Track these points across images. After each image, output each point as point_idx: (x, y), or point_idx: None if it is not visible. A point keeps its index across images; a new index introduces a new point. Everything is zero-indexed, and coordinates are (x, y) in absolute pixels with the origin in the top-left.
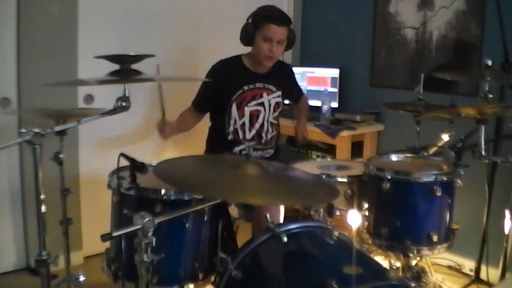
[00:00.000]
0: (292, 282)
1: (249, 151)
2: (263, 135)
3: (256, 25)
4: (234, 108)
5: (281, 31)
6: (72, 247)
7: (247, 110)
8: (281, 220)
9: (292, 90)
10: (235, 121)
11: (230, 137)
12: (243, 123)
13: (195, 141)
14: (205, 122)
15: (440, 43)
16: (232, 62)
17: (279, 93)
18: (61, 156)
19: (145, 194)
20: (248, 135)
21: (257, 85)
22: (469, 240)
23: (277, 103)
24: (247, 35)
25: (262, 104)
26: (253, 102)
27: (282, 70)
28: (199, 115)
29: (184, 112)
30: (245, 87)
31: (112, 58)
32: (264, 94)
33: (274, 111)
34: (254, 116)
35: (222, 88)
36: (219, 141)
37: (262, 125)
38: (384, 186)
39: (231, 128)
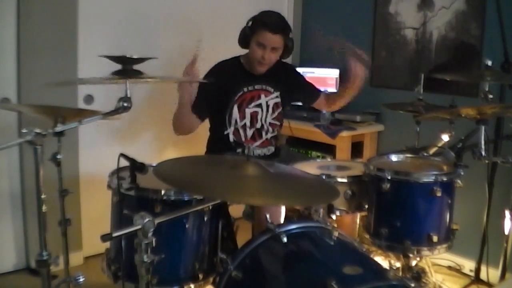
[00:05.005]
0: (292, 282)
1: (250, 151)
2: (263, 133)
3: (252, 29)
4: (235, 109)
5: (274, 39)
6: (72, 247)
7: (247, 111)
8: (282, 221)
9: (296, 90)
10: (236, 121)
11: (231, 137)
12: (244, 124)
13: (195, 142)
14: (207, 123)
15: (440, 43)
16: (231, 64)
17: (277, 93)
18: (58, 157)
19: (145, 194)
20: (249, 133)
21: (256, 86)
22: (469, 240)
23: (275, 103)
24: (244, 38)
25: (260, 105)
26: (252, 104)
27: (281, 71)
28: (199, 120)
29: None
30: (245, 89)
31: (114, 58)
32: (262, 96)
33: (273, 111)
34: (253, 117)
35: (223, 88)
36: (220, 143)
37: (262, 126)
38: (384, 187)
39: (232, 128)
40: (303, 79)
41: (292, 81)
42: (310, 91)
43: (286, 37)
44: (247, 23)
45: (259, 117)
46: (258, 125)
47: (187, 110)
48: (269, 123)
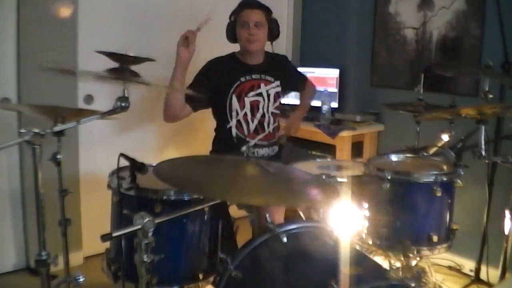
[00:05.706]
0: (292, 282)
1: (251, 151)
2: (265, 125)
3: (234, 18)
4: (234, 99)
5: (254, 14)
6: (72, 247)
7: (247, 100)
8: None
9: (291, 78)
10: (237, 112)
11: (233, 131)
12: (245, 114)
13: (196, 142)
14: (207, 123)
15: (440, 43)
16: (226, 58)
17: (278, 83)
18: (58, 156)
19: (145, 194)
20: (252, 126)
21: (254, 76)
22: (469, 240)
23: (276, 93)
24: (230, 31)
25: (260, 94)
26: (252, 93)
27: (277, 61)
28: (191, 109)
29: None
30: (242, 79)
31: (112, 55)
32: (262, 85)
33: (275, 101)
34: (254, 106)
35: (220, 82)
36: (224, 141)
37: (263, 115)
38: (384, 186)
39: (234, 121)
40: (293, 68)
41: (288, 70)
42: (299, 77)
43: (267, 14)
44: (229, 18)
45: (260, 106)
46: (260, 115)
47: (178, 94)
48: (271, 112)
